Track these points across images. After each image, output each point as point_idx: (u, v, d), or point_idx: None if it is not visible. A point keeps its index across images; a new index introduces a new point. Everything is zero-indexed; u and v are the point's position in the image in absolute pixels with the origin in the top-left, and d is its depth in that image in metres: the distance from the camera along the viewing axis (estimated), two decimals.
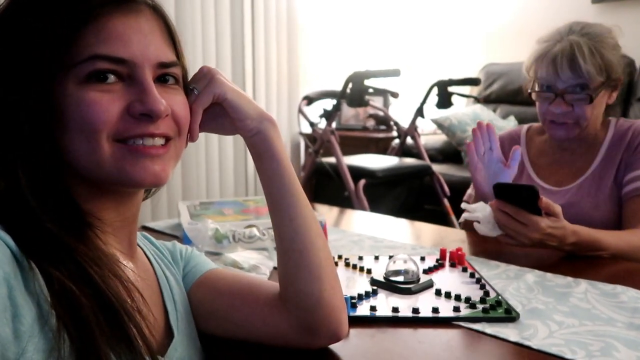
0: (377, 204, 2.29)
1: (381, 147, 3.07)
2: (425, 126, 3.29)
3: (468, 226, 1.14)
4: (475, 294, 0.78)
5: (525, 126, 1.31)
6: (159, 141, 0.51)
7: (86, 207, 0.50)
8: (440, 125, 2.94)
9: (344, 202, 2.21)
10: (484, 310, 0.72)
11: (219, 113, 0.59)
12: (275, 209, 0.60)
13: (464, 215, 1.06)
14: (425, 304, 0.74)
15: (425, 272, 0.88)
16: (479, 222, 1.00)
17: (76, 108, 0.47)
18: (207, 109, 0.58)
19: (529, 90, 1.16)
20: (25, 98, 0.46)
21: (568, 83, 1.08)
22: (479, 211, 1.00)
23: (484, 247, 1.06)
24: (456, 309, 0.72)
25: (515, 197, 0.94)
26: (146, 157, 0.50)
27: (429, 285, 0.82)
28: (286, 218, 0.59)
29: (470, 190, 1.29)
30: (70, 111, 0.47)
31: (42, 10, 0.47)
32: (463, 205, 1.06)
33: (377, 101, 3.24)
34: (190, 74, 0.60)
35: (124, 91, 0.49)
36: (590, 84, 1.07)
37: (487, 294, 0.78)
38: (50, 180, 0.48)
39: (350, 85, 2.26)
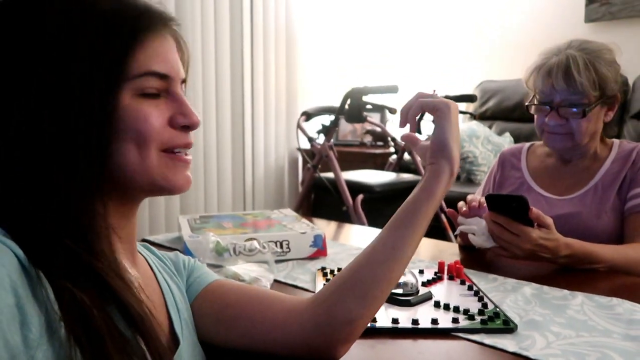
0: (375, 219, 2.30)
1: (379, 162, 3.09)
2: None
3: (464, 239, 1.15)
4: (474, 305, 0.79)
5: (528, 144, 1.33)
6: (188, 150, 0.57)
7: (105, 218, 0.50)
8: None
9: (343, 216, 2.22)
10: (483, 322, 0.73)
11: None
12: (392, 227, 0.63)
13: (460, 228, 1.08)
14: (424, 315, 0.75)
15: (424, 284, 0.89)
16: (474, 234, 1.03)
17: (132, 119, 0.50)
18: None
19: (527, 103, 1.18)
20: (84, 109, 0.48)
21: (563, 96, 1.10)
22: (474, 224, 1.02)
23: (482, 260, 1.08)
24: (455, 320, 0.73)
25: (507, 208, 0.96)
26: (184, 165, 0.56)
27: (428, 297, 0.83)
28: (392, 241, 0.61)
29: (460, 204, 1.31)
30: (126, 122, 0.50)
31: (107, 31, 0.50)
32: (459, 219, 1.08)
33: (374, 117, 3.27)
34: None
35: (165, 104, 0.54)
36: (584, 98, 1.10)
37: (485, 305, 0.79)
38: (86, 193, 0.48)
39: (348, 101, 2.28)
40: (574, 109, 1.10)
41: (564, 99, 1.11)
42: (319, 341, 0.59)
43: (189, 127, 0.55)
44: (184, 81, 0.57)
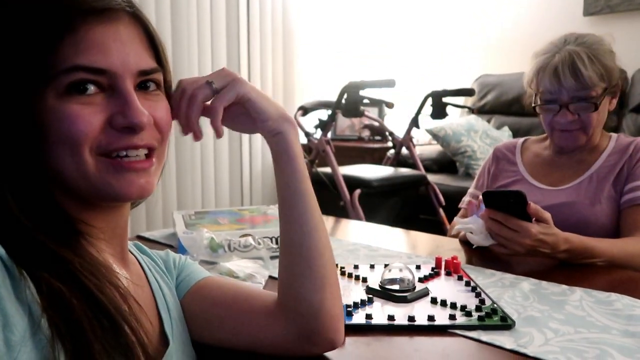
0: (373, 214, 2.29)
1: (376, 157, 3.08)
2: (420, 136, 3.30)
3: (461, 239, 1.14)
4: (471, 302, 0.78)
5: (522, 139, 1.33)
6: (143, 152, 0.51)
7: (77, 217, 0.50)
8: (435, 135, 2.96)
9: (340, 211, 2.21)
10: (480, 318, 0.72)
11: (238, 112, 0.59)
12: (286, 213, 0.60)
13: (457, 227, 1.07)
14: (421, 312, 0.74)
15: (421, 280, 0.88)
16: (472, 232, 1.01)
17: (58, 121, 0.46)
18: (227, 107, 0.57)
19: (533, 105, 1.17)
20: (6, 113, 0.45)
21: (572, 93, 1.10)
22: (470, 222, 1.01)
23: (479, 255, 1.07)
24: (452, 317, 0.72)
25: (505, 205, 0.95)
26: (131, 171, 0.50)
27: (425, 293, 0.82)
28: (297, 223, 0.59)
29: (465, 197, 1.30)
30: (52, 125, 0.46)
31: (19, 23, 0.45)
32: (455, 219, 1.07)
33: (372, 111, 3.25)
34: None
35: (106, 103, 0.48)
36: (592, 91, 1.09)
37: (482, 302, 0.78)
38: (37, 195, 0.47)
39: (345, 96, 2.27)
40: (585, 104, 1.10)
41: (573, 96, 1.10)
42: (305, 336, 0.59)
43: (131, 128, 0.48)
44: (146, 73, 0.51)
